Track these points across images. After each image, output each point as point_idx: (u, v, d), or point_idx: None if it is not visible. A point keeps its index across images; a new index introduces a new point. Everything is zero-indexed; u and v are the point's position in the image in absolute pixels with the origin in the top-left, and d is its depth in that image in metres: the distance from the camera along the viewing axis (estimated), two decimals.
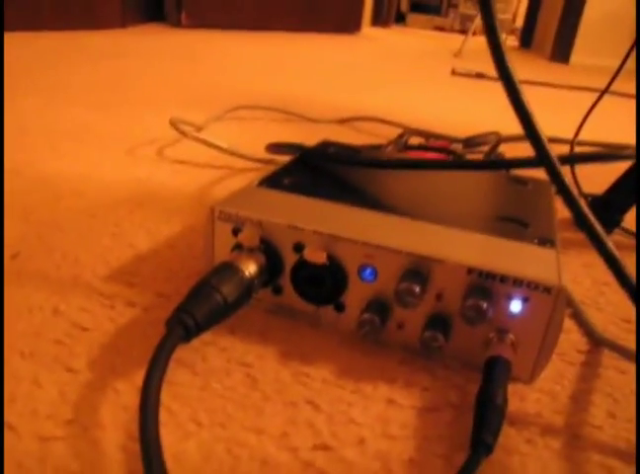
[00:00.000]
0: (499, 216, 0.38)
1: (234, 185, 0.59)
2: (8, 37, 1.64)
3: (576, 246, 0.51)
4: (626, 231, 0.56)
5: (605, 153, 0.37)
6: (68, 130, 0.74)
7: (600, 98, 0.65)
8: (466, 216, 0.37)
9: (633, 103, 1.50)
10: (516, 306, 0.30)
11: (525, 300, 0.30)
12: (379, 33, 3.49)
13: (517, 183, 0.46)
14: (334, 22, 2.92)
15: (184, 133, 0.64)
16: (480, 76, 1.65)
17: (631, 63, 2.49)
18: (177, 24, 2.44)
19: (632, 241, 0.55)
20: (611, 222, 0.55)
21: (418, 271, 0.31)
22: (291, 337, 0.34)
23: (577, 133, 0.67)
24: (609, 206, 0.55)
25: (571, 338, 0.37)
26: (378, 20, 3.98)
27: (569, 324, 0.39)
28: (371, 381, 0.31)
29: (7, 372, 0.29)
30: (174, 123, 0.65)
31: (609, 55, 2.32)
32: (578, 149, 0.81)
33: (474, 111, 1.16)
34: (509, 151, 0.70)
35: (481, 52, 2.72)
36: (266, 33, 2.57)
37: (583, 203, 0.29)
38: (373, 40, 2.89)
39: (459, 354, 0.33)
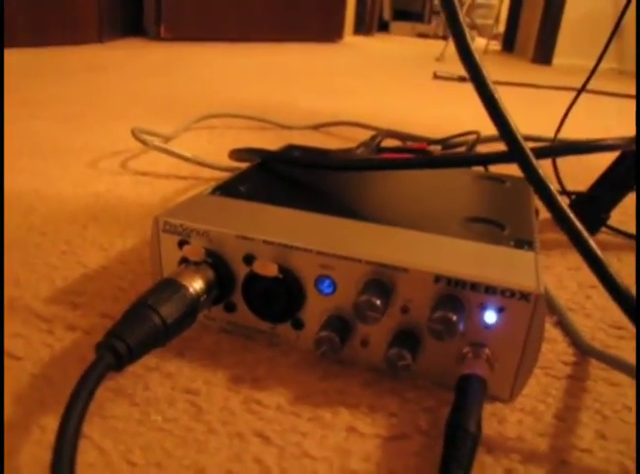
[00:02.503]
0: (472, 218, 0.34)
1: None
2: None
3: (560, 247, 0.48)
4: (613, 229, 0.53)
5: (585, 143, 0.34)
6: (29, 145, 0.71)
7: (577, 96, 0.63)
8: (436, 219, 0.34)
9: (615, 101, 1.48)
10: (490, 317, 0.27)
11: (501, 310, 0.27)
12: (362, 41, 3.47)
13: (494, 181, 0.43)
14: (316, 31, 2.90)
15: (145, 143, 0.60)
16: (462, 79, 1.63)
17: (610, 62, 2.49)
18: (156, 37, 2.41)
19: (620, 240, 0.52)
20: (597, 220, 0.52)
21: (380, 281, 0.28)
22: (245, 359, 0.31)
23: (558, 130, 0.64)
24: (594, 203, 0.52)
25: (556, 348, 0.34)
26: (361, 28, 3.97)
27: (554, 333, 0.36)
28: (331, 407, 0.27)
29: None
30: (135, 134, 0.61)
31: (591, 55, 2.29)
32: None
33: (455, 112, 1.13)
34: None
35: None
36: (248, 44, 2.54)
37: (559, 198, 0.26)
38: (356, 48, 2.87)
39: (431, 372, 0.29)
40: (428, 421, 0.27)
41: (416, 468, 0.24)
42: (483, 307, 0.27)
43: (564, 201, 0.27)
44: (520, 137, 0.26)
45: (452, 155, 0.37)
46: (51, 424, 0.26)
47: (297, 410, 0.27)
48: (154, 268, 0.33)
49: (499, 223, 0.34)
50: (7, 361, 0.30)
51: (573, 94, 0.64)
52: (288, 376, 0.30)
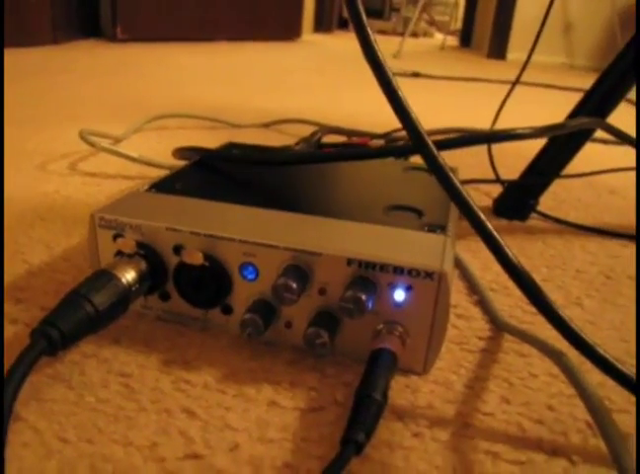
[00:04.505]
0: (393, 206, 0.37)
1: None
2: None
3: None
4: (541, 214, 0.56)
5: (492, 134, 0.37)
6: None
7: (512, 88, 0.66)
8: (357, 208, 0.36)
9: (564, 94, 1.52)
10: (399, 295, 0.29)
11: (409, 288, 0.29)
12: (321, 38, 3.50)
13: (421, 172, 0.45)
14: (274, 30, 2.91)
15: (92, 145, 0.62)
16: (415, 75, 1.66)
17: (561, 57, 2.56)
18: (113, 38, 2.40)
19: (548, 224, 0.55)
20: (527, 206, 0.55)
21: (298, 266, 0.30)
22: (177, 344, 0.33)
23: (494, 122, 0.67)
24: (524, 191, 0.55)
25: (473, 325, 0.37)
26: (321, 26, 4.00)
27: (473, 311, 0.38)
28: (255, 384, 0.29)
29: None
30: (83, 136, 0.62)
31: (542, 51, 2.38)
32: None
33: None
34: None
35: (419, 53, 2.75)
36: (205, 43, 2.55)
37: (459, 184, 0.29)
38: (314, 46, 2.89)
39: (350, 349, 0.31)
40: (344, 394, 0.29)
41: (329, 435, 0.26)
42: (393, 286, 0.29)
43: (466, 188, 0.29)
44: (420, 128, 0.29)
45: (367, 149, 0.40)
46: None
47: (223, 387, 0.29)
48: (92, 261, 0.35)
49: (418, 210, 0.36)
50: None
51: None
52: (218, 358, 0.31)
